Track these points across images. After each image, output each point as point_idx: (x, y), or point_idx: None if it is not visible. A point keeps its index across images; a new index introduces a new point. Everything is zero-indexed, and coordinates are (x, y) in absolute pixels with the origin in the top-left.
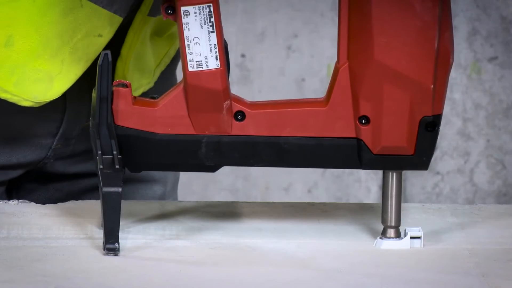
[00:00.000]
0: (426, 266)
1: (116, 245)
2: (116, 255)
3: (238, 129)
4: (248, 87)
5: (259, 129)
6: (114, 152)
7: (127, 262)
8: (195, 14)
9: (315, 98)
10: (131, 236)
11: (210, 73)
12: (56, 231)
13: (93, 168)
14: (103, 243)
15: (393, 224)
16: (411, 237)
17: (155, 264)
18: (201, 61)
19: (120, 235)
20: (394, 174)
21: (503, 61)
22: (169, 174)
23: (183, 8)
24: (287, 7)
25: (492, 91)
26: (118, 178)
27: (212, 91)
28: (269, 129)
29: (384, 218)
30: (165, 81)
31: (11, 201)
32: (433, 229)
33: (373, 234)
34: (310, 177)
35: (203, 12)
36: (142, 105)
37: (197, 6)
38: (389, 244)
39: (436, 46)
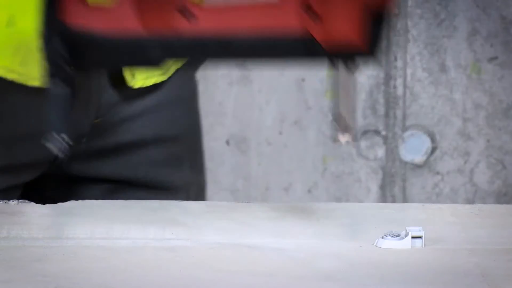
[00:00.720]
0: (426, 266)
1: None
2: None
3: (187, 27)
4: (248, 87)
5: (209, 27)
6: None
7: (127, 262)
8: None
9: None
10: (131, 236)
11: None
12: (56, 231)
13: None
14: None
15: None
16: (412, 237)
17: (155, 264)
18: None
19: (120, 235)
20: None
21: (503, 61)
22: (190, 180)
23: None
24: None
25: (492, 91)
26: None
27: None
28: (219, 27)
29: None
30: (182, 83)
31: (11, 201)
32: (433, 229)
33: (373, 234)
34: (310, 177)
35: None
36: (89, 4)
37: None
38: (390, 244)
39: None
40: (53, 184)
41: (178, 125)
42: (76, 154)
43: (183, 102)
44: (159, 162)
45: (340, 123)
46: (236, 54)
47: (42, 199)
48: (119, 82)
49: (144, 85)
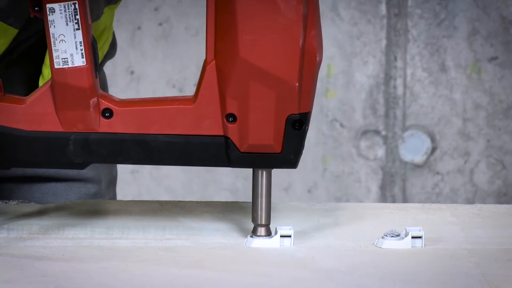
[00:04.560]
0: (425, 266)
1: None
2: None
3: (105, 126)
4: None
5: (127, 127)
6: None
7: (127, 262)
8: (61, 11)
9: (184, 96)
10: (131, 236)
11: (76, 70)
12: (56, 231)
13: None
14: None
15: (263, 222)
16: (412, 237)
17: (155, 264)
18: (67, 58)
19: (120, 235)
20: (264, 172)
21: (503, 61)
22: (103, 173)
23: (48, 6)
24: None
25: (492, 91)
26: None
27: (78, 88)
28: (137, 127)
29: (254, 217)
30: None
31: (11, 201)
32: (433, 229)
33: (373, 234)
34: (310, 177)
35: (68, 9)
36: (9, 102)
37: (62, 4)
38: (390, 244)
39: (301, 44)
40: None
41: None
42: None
43: None
44: None
45: (257, 220)
46: (153, 153)
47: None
48: None
49: None
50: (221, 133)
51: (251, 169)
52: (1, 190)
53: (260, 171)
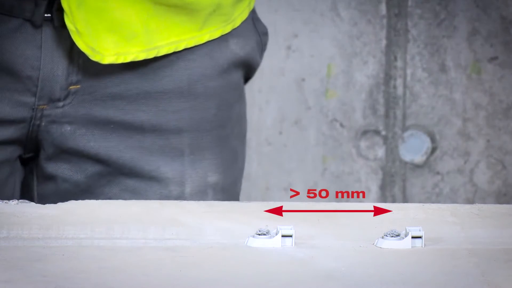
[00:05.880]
0: (425, 266)
1: None
2: None
3: None
4: (248, 87)
5: None
6: None
7: (127, 262)
8: None
9: None
10: (131, 236)
11: None
12: (56, 231)
13: (103, 151)
14: None
15: None
16: (412, 237)
17: (155, 264)
18: None
19: (120, 235)
20: None
21: (503, 61)
22: (187, 174)
23: None
24: (287, 7)
25: (492, 91)
26: None
27: None
28: None
29: None
30: (198, 77)
31: (11, 201)
32: (433, 229)
33: (373, 234)
34: (310, 177)
35: None
36: None
37: None
38: (390, 244)
39: None
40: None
41: (183, 118)
42: (55, 117)
43: (193, 96)
44: (152, 150)
45: None
46: None
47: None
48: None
49: (117, 61)
50: None
51: (251, 169)
52: (88, 184)
53: None
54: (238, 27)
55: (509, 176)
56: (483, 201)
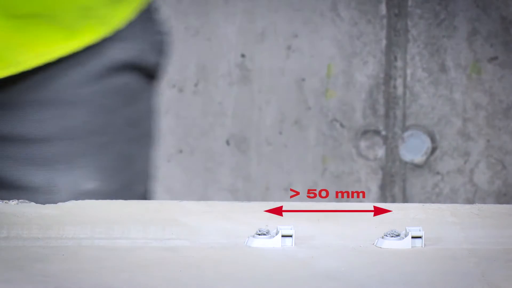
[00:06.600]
0: (425, 266)
1: None
2: None
3: None
4: (248, 87)
5: None
6: None
7: (127, 262)
8: None
9: None
10: (131, 236)
11: None
12: (56, 231)
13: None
14: None
15: None
16: (412, 237)
17: (155, 264)
18: None
19: (120, 235)
20: None
21: (503, 61)
22: (57, 182)
23: None
24: (287, 7)
25: (492, 91)
26: None
27: None
28: None
29: None
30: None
31: (11, 201)
32: (433, 229)
33: (373, 234)
34: (310, 177)
35: None
36: None
37: None
38: (390, 244)
39: None
40: None
41: (50, 126)
42: None
43: (60, 104)
44: (17, 160)
45: None
46: None
47: None
48: None
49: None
50: None
51: (251, 169)
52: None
53: None
54: (122, 29)
55: (509, 176)
56: (483, 201)
